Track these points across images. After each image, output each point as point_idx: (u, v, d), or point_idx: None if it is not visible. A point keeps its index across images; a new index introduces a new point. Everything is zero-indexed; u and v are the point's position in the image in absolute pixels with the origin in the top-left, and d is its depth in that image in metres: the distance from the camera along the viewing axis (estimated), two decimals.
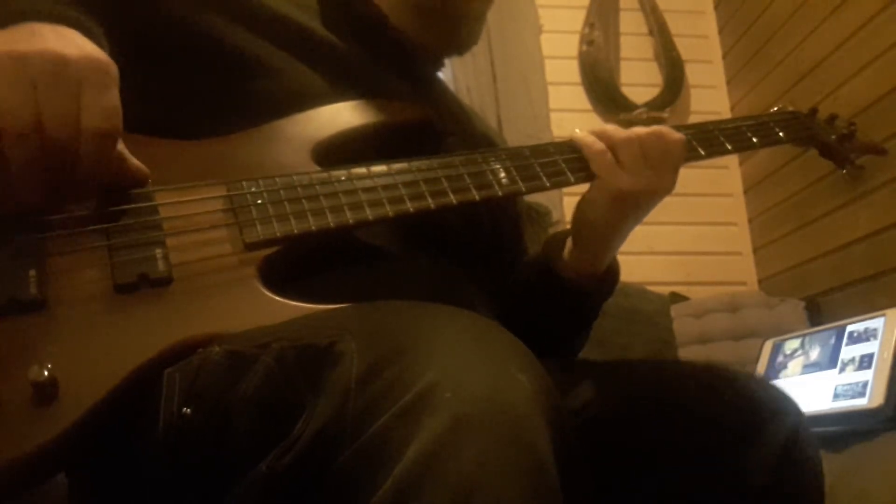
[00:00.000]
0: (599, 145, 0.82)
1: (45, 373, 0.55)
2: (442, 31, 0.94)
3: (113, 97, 0.63)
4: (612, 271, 0.90)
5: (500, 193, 0.78)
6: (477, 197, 0.77)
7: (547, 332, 0.89)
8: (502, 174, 0.80)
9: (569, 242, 0.87)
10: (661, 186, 0.82)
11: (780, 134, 0.99)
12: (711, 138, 0.92)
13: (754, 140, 0.95)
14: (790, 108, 1.05)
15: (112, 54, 0.68)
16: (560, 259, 0.87)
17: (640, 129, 0.83)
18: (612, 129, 0.83)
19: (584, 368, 0.85)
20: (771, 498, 0.71)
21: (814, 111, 1.05)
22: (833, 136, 1.04)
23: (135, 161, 0.68)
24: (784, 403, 0.76)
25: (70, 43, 0.62)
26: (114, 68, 0.64)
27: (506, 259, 0.95)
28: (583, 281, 0.86)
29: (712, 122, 0.95)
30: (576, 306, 0.90)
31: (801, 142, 1.04)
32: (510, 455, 0.45)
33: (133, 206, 0.67)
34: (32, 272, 0.60)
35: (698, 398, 0.76)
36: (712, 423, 0.74)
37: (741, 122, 0.97)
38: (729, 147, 0.93)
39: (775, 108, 1.04)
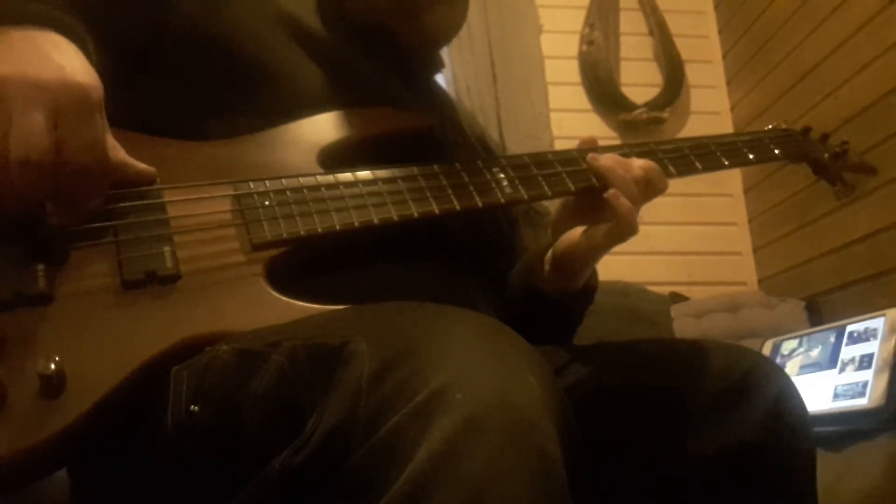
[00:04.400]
0: (632, 189, 0.80)
1: (52, 366, 0.55)
2: (407, 22, 0.92)
3: (92, 128, 0.62)
4: (591, 279, 0.90)
5: (502, 201, 0.80)
6: (480, 204, 0.78)
7: (535, 338, 0.89)
8: (505, 182, 0.81)
9: (549, 256, 0.88)
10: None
11: (776, 151, 1.01)
12: (709, 153, 0.94)
13: (750, 156, 0.98)
14: (784, 126, 1.08)
15: (112, 61, 0.68)
16: (541, 278, 0.88)
17: (644, 167, 0.83)
18: (636, 170, 0.82)
19: (580, 349, 0.86)
20: (762, 456, 0.72)
21: (807, 130, 1.08)
22: (826, 155, 1.08)
23: (139, 165, 0.68)
24: (772, 367, 0.78)
25: (49, 64, 0.61)
26: (96, 92, 0.62)
27: (504, 261, 0.95)
28: (563, 298, 0.87)
29: (709, 137, 0.97)
30: (558, 318, 0.91)
31: (795, 158, 1.07)
32: (520, 456, 0.45)
33: (142, 203, 0.68)
34: (41, 267, 0.61)
35: (690, 364, 0.77)
36: (704, 384, 0.75)
37: (737, 137, 1.00)
38: (726, 162, 0.95)
39: (770, 126, 1.08)
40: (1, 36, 0.62)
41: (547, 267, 0.87)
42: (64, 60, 0.62)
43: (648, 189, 0.82)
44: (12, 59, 0.60)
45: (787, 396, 0.75)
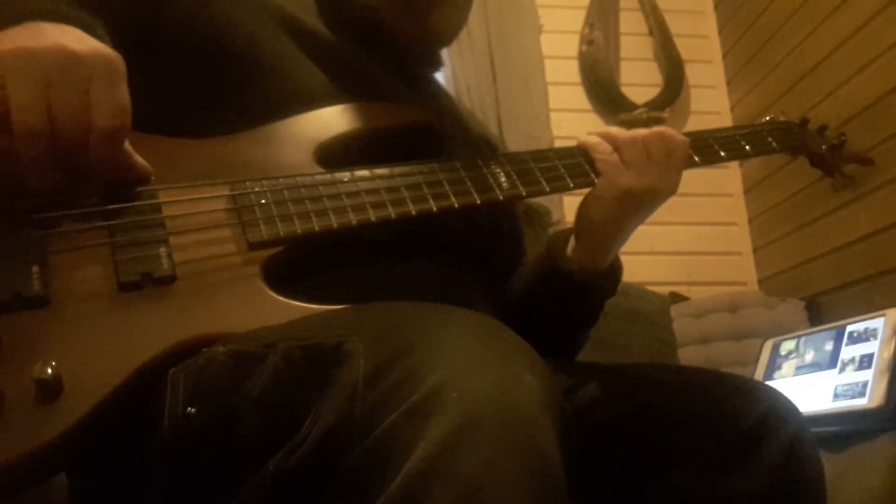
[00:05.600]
0: (605, 146, 0.84)
1: (49, 370, 0.55)
2: (414, 20, 0.92)
3: (122, 93, 0.63)
4: (615, 269, 0.90)
5: (500, 197, 0.80)
6: (478, 200, 0.78)
7: (549, 331, 0.89)
8: (503, 178, 0.81)
9: (571, 240, 0.88)
10: (664, 186, 0.84)
11: (773, 143, 1.01)
12: (706, 146, 0.94)
13: (747, 148, 0.98)
14: (781, 118, 1.07)
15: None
16: (563, 257, 0.87)
17: (642, 131, 0.85)
18: (616, 130, 0.86)
19: (589, 370, 0.85)
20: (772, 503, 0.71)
21: (805, 121, 1.07)
22: (823, 146, 1.08)
23: (139, 158, 0.68)
24: (786, 410, 0.76)
25: (76, 39, 0.62)
26: (121, 63, 0.64)
27: (505, 260, 0.95)
28: (586, 277, 0.87)
29: (707, 131, 0.97)
30: (579, 303, 0.90)
31: (793, 151, 1.07)
32: (517, 455, 0.45)
33: (136, 204, 0.67)
34: (36, 269, 0.60)
35: (703, 404, 0.77)
36: (716, 429, 0.74)
37: (735, 130, 1.00)
38: (723, 154, 0.95)
39: (767, 118, 1.07)
40: (30, 26, 0.63)
41: (571, 246, 0.87)
42: (88, 39, 0.64)
43: (663, 143, 0.84)
44: (41, 36, 0.61)
45: (801, 444, 0.74)
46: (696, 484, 0.73)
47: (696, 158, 0.92)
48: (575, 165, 0.84)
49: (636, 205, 0.83)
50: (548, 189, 0.82)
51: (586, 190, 0.86)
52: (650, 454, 0.76)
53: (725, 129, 0.99)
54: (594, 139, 0.86)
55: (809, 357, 1.83)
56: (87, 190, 0.65)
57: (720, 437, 0.74)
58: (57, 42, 0.61)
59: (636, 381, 0.84)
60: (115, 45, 0.70)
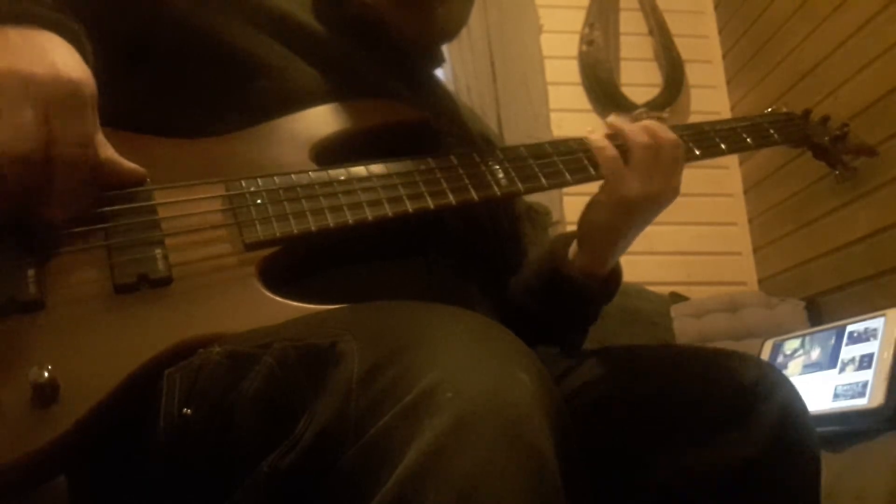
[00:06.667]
0: (612, 151, 0.81)
1: (46, 374, 0.54)
2: (419, 14, 0.91)
3: (83, 120, 0.61)
4: (616, 274, 0.90)
5: (498, 194, 0.79)
6: (476, 197, 0.77)
7: (547, 332, 0.89)
8: (500, 174, 0.80)
9: (573, 245, 0.87)
10: (667, 192, 0.82)
11: (775, 135, 0.99)
12: (707, 139, 0.92)
13: (749, 141, 0.96)
14: (784, 110, 1.05)
15: (103, 57, 0.67)
16: (565, 260, 0.87)
17: (653, 129, 0.82)
18: (629, 130, 0.82)
19: (580, 354, 0.85)
20: (766, 472, 0.72)
21: (807, 112, 1.05)
22: (826, 138, 1.06)
23: (128, 164, 0.67)
24: (777, 377, 0.76)
25: (42, 59, 0.60)
26: (88, 87, 0.62)
27: (505, 259, 0.94)
28: (587, 282, 0.86)
29: (708, 123, 0.95)
30: (578, 306, 0.90)
31: (795, 143, 1.05)
32: (512, 455, 0.44)
33: (131, 205, 0.67)
34: (31, 272, 0.60)
35: (694, 373, 0.77)
36: (708, 396, 0.74)
37: (736, 123, 0.98)
38: (724, 147, 0.93)
39: (769, 110, 1.05)
40: None
41: (572, 250, 0.87)
42: (57, 57, 0.62)
43: (672, 149, 0.81)
44: (5, 54, 0.59)
45: (793, 410, 0.73)
46: (689, 453, 0.73)
47: (697, 152, 0.90)
48: (574, 161, 0.83)
49: (639, 211, 0.82)
50: (546, 185, 0.81)
51: (585, 187, 0.85)
52: (643, 426, 0.75)
53: (726, 121, 0.97)
54: (602, 142, 0.81)
55: (815, 354, 1.83)
56: (54, 213, 0.63)
57: (712, 403, 0.74)
58: (12, 66, 0.59)
59: (626, 358, 0.84)
60: (112, 49, 0.69)
